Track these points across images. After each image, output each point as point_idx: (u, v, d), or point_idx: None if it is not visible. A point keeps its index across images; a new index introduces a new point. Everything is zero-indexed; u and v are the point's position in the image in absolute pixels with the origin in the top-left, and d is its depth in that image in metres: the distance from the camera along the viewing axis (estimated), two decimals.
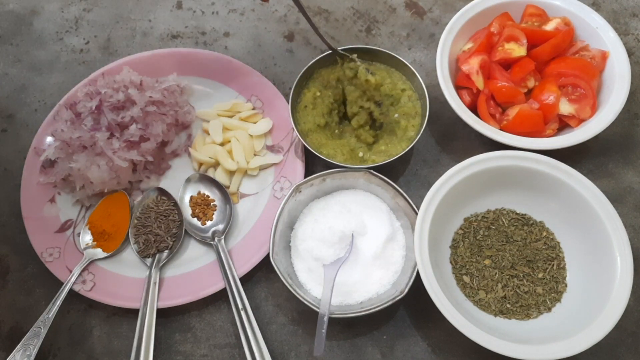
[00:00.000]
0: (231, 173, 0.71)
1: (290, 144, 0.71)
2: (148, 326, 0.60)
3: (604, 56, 0.70)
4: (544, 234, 0.65)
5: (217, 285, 0.63)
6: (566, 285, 0.62)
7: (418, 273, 0.57)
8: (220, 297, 0.65)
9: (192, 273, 0.65)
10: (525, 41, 0.70)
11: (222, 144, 0.72)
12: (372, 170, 0.64)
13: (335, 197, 0.66)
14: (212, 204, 0.69)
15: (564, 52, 0.72)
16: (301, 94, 0.71)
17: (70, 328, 0.64)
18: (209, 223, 0.68)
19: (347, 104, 0.70)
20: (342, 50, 0.70)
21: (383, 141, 0.69)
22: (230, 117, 0.74)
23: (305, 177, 0.68)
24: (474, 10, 0.73)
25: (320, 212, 0.64)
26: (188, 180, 0.70)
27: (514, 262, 0.63)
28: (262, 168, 0.71)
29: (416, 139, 0.66)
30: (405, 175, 0.72)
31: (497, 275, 0.62)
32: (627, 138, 0.73)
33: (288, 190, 0.65)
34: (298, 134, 0.67)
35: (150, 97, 0.70)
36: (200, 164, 0.71)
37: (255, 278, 0.66)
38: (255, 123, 0.73)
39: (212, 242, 0.66)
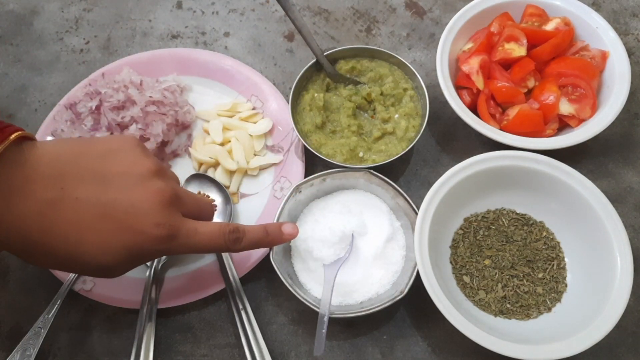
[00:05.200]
0: (231, 173, 0.71)
1: (290, 144, 0.71)
2: (148, 326, 0.60)
3: (604, 56, 0.70)
4: (544, 234, 0.65)
5: (217, 285, 0.63)
6: (566, 285, 0.62)
7: (418, 273, 0.57)
8: (220, 297, 0.65)
9: (192, 273, 0.65)
10: (525, 41, 0.70)
11: (222, 144, 0.72)
12: (372, 170, 0.64)
13: (335, 197, 0.66)
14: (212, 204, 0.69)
15: (564, 52, 0.72)
16: (300, 96, 0.71)
17: (70, 328, 0.64)
18: None
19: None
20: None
21: (383, 141, 0.69)
22: (230, 117, 0.74)
23: (305, 177, 0.68)
24: (474, 10, 0.74)
25: (321, 212, 0.64)
26: (188, 180, 0.70)
27: (514, 262, 0.63)
28: (262, 168, 0.71)
29: (416, 139, 0.66)
30: (405, 175, 0.72)
31: (497, 275, 0.62)
32: (627, 138, 0.73)
33: (288, 190, 0.65)
34: (298, 134, 0.67)
35: (150, 97, 0.70)
36: (200, 164, 0.71)
37: (255, 278, 0.66)
38: (255, 123, 0.73)
39: None
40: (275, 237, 0.57)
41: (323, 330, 0.54)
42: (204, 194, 0.69)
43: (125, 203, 0.45)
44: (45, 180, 0.43)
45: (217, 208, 0.68)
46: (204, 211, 0.57)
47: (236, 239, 0.53)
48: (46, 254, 0.44)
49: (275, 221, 0.62)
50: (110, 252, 0.45)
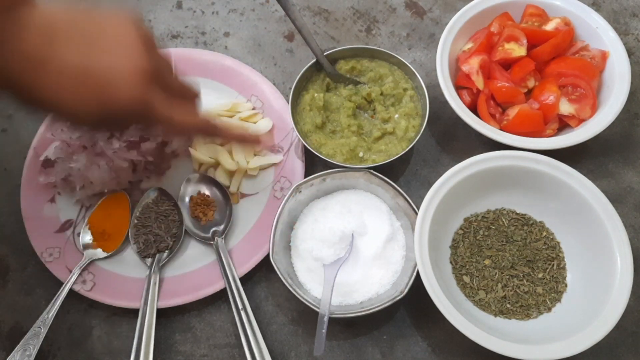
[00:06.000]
0: (231, 173, 0.71)
1: (290, 144, 0.71)
2: (148, 326, 0.60)
3: (604, 56, 0.70)
4: (544, 234, 0.65)
5: (217, 285, 0.63)
6: (566, 285, 0.62)
7: (418, 273, 0.57)
8: (220, 297, 0.65)
9: (192, 273, 0.65)
10: (525, 41, 0.70)
11: (222, 144, 0.72)
12: (372, 170, 0.64)
13: (335, 197, 0.66)
14: (212, 204, 0.69)
15: (564, 52, 0.72)
16: (300, 96, 0.71)
17: (70, 328, 0.64)
18: (208, 223, 0.68)
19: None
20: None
21: (383, 141, 0.69)
22: (230, 117, 0.74)
23: (305, 177, 0.68)
24: (474, 10, 0.73)
25: (321, 212, 0.64)
26: (188, 180, 0.70)
27: (514, 262, 0.63)
28: (262, 168, 0.71)
29: (416, 139, 0.66)
30: (405, 175, 0.72)
31: (497, 275, 0.62)
32: (627, 138, 0.73)
33: (288, 190, 0.65)
34: (298, 134, 0.67)
35: None
36: (200, 164, 0.71)
37: (255, 278, 0.66)
38: (255, 123, 0.73)
39: (212, 242, 0.66)
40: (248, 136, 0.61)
41: (323, 330, 0.55)
42: (204, 194, 0.69)
43: (106, 64, 0.46)
44: (39, 29, 0.45)
45: (217, 208, 0.68)
46: (187, 96, 0.56)
47: (212, 124, 0.55)
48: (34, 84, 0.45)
49: (275, 222, 0.63)
50: (84, 106, 0.46)
